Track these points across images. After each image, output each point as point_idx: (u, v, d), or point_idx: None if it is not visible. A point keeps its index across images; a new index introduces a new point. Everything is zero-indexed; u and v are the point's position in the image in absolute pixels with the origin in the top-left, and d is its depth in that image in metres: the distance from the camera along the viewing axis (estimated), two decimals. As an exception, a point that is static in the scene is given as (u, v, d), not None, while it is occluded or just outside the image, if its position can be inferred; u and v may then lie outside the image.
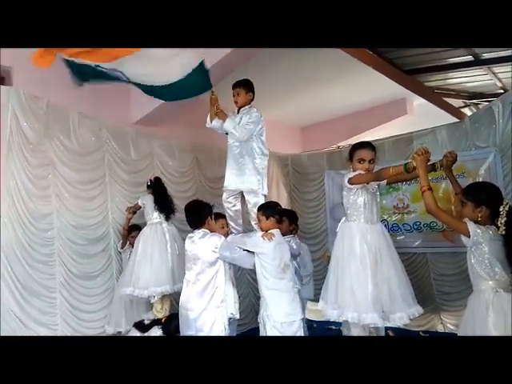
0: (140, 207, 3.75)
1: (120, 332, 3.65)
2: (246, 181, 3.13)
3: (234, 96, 3.27)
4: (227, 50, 3.44)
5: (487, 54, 4.47)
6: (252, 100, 3.28)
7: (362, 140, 3.23)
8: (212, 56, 3.54)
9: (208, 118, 3.30)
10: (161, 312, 3.51)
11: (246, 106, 3.23)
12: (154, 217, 3.61)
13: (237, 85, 3.27)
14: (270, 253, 2.74)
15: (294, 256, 3.25)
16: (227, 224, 3.22)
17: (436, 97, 5.60)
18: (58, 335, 3.37)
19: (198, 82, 3.11)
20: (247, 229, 3.49)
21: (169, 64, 2.89)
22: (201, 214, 2.90)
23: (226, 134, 3.32)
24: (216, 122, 3.25)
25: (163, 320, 3.26)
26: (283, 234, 3.14)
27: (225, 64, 3.64)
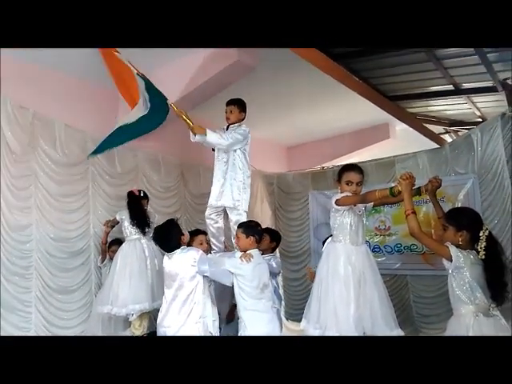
0: (118, 222, 3.69)
1: (97, 349, 3.55)
2: (227, 197, 3.17)
3: (226, 113, 3.31)
4: (220, 67, 3.50)
5: (467, 84, 4.66)
6: (243, 120, 3.32)
7: (347, 162, 3.30)
8: (205, 72, 3.60)
9: (191, 133, 3.29)
10: (138, 329, 3.42)
11: (236, 124, 3.28)
12: (133, 232, 3.56)
13: (231, 103, 3.31)
14: (248, 274, 2.72)
15: (273, 275, 3.25)
16: (206, 240, 3.20)
17: (417, 123, 5.77)
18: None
19: (158, 105, 3.30)
20: (229, 245, 3.48)
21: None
22: (171, 238, 2.85)
23: (213, 150, 3.35)
24: (199, 137, 3.25)
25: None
26: (264, 252, 3.14)
27: (217, 81, 3.69)
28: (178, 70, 3.71)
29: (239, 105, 3.29)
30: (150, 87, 3.26)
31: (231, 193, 3.16)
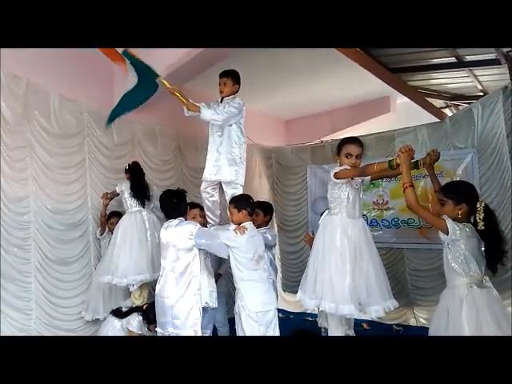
0: (118, 194, 3.68)
1: (98, 319, 3.62)
2: (224, 171, 3.15)
3: (220, 85, 3.26)
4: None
5: (470, 57, 4.56)
6: (237, 92, 3.27)
7: (345, 136, 3.26)
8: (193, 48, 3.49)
9: (184, 107, 3.22)
10: (139, 299, 3.49)
11: (231, 96, 3.22)
12: (133, 205, 3.56)
13: (224, 74, 3.25)
14: (242, 246, 2.76)
15: (269, 247, 3.29)
16: (201, 214, 3.22)
17: (418, 96, 5.68)
18: (47, 335, 3.34)
19: (146, 80, 3.16)
20: (226, 218, 3.49)
21: None
22: (182, 204, 2.89)
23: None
24: (187, 113, 3.22)
25: (144, 307, 3.24)
26: (259, 226, 3.17)
27: (206, 56, 3.59)
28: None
29: (233, 76, 3.23)
30: (135, 63, 3.14)
31: (229, 167, 3.14)
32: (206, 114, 3.08)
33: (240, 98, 3.22)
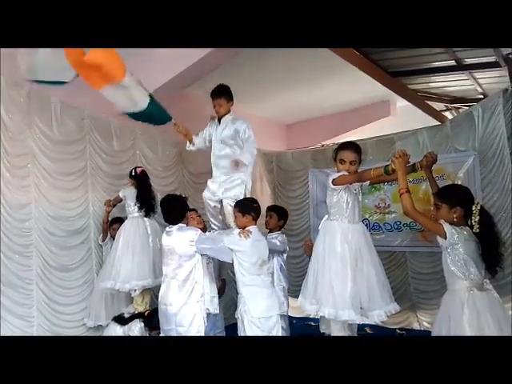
0: (121, 200, 3.68)
1: (100, 325, 3.61)
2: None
3: (214, 107, 3.19)
4: (208, 49, 3.40)
5: (469, 60, 4.57)
6: (232, 105, 3.22)
7: (346, 140, 3.27)
8: (193, 54, 3.50)
9: (188, 143, 3.36)
10: (141, 305, 3.48)
11: (228, 115, 3.19)
12: (136, 210, 3.56)
13: (217, 96, 3.17)
14: (246, 250, 2.74)
15: (279, 252, 3.28)
16: (197, 214, 3.23)
17: (419, 99, 5.69)
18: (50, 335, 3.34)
19: (156, 112, 3.17)
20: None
21: (135, 92, 2.97)
22: (182, 209, 2.88)
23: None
24: (193, 146, 3.35)
25: (146, 313, 3.23)
26: (271, 230, 3.15)
27: (206, 62, 3.60)
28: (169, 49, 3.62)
29: (225, 94, 3.16)
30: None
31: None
32: (246, 157, 3.06)
33: (243, 120, 3.18)
